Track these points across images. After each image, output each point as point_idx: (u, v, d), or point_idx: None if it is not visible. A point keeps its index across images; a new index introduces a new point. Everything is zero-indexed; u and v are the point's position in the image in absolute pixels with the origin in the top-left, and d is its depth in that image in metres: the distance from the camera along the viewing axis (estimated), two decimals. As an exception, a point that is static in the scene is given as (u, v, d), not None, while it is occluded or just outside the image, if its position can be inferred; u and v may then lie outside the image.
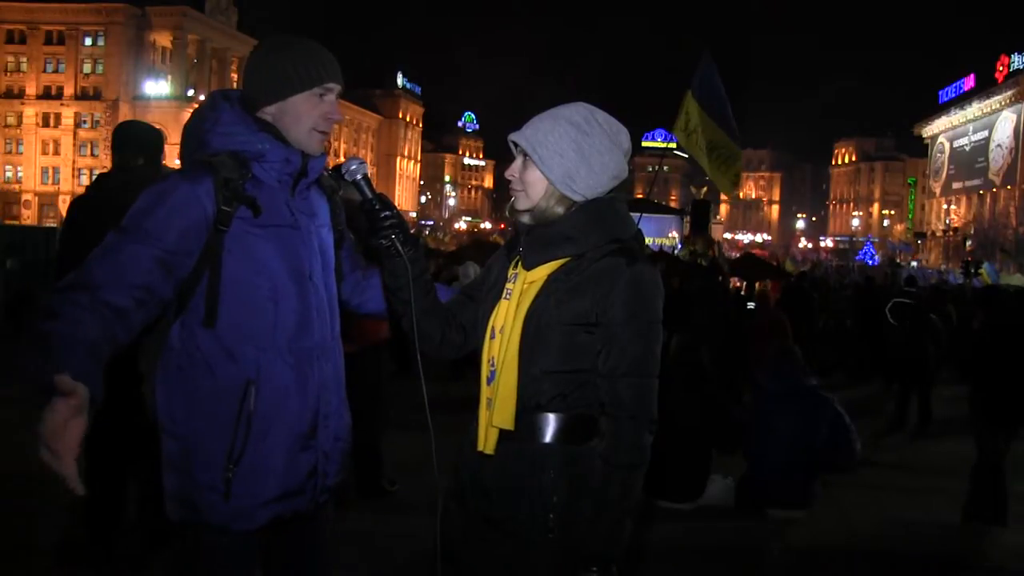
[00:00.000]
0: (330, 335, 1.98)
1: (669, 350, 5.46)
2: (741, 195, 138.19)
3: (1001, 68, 70.48)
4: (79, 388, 1.49)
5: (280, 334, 1.86)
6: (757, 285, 18.76)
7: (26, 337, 1.56)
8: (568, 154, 1.83)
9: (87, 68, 71.41)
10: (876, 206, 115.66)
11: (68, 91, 71.15)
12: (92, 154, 68.63)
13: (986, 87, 73.83)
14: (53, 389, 1.47)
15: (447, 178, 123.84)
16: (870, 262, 59.17)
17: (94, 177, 4.53)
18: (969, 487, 5.47)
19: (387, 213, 1.90)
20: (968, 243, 63.57)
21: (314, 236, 1.97)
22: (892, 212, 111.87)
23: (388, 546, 4.14)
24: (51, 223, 48.22)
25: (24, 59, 71.13)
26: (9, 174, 71.14)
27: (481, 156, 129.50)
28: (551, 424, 1.81)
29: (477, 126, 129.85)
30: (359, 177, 1.95)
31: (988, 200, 71.18)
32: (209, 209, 1.80)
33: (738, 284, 19.81)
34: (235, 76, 73.73)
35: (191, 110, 2.12)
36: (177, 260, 1.78)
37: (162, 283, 1.76)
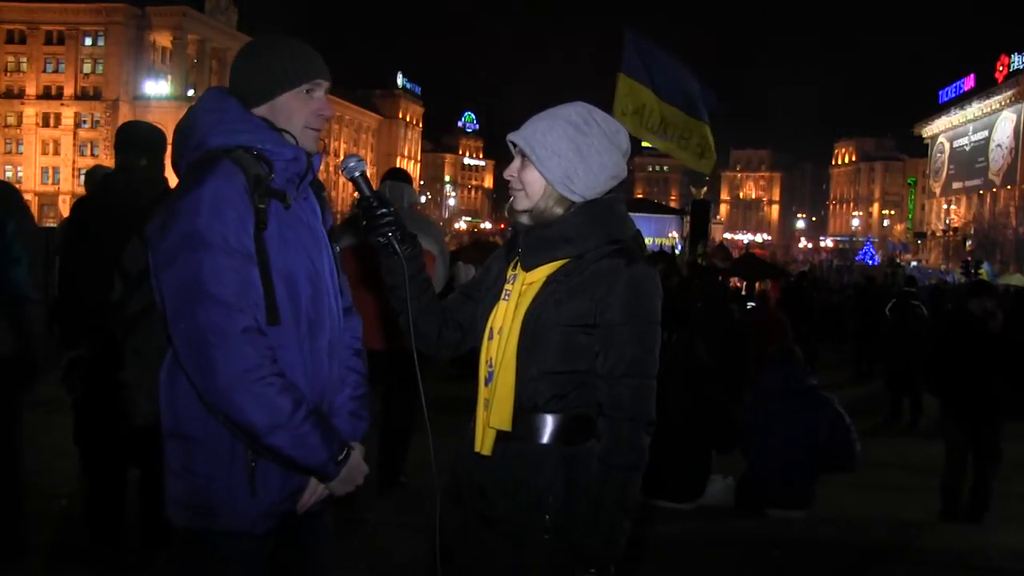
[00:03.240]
0: (337, 335, 1.97)
1: (669, 349, 5.45)
2: (741, 195, 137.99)
3: (1001, 68, 70.31)
4: None
5: (295, 332, 1.83)
6: (757, 285, 18.78)
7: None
8: (566, 154, 1.82)
9: (87, 68, 71.41)
10: (876, 206, 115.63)
11: (68, 91, 71.15)
12: (92, 154, 68.47)
13: (986, 87, 73.67)
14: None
15: (447, 178, 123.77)
16: (870, 262, 59.12)
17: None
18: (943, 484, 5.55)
19: (384, 210, 1.89)
20: (968, 243, 63.53)
21: (320, 235, 1.95)
22: (892, 212, 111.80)
23: (387, 546, 4.13)
24: (51, 223, 48.11)
25: (24, 59, 71.15)
26: (9, 174, 71.00)
27: (481, 156, 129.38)
28: (548, 425, 1.81)
29: (477, 126, 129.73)
30: (357, 175, 1.94)
31: (988, 200, 71.06)
32: (247, 208, 1.76)
33: (738, 284, 19.81)
34: (235, 76, 73.48)
35: (191, 110, 2.10)
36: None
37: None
